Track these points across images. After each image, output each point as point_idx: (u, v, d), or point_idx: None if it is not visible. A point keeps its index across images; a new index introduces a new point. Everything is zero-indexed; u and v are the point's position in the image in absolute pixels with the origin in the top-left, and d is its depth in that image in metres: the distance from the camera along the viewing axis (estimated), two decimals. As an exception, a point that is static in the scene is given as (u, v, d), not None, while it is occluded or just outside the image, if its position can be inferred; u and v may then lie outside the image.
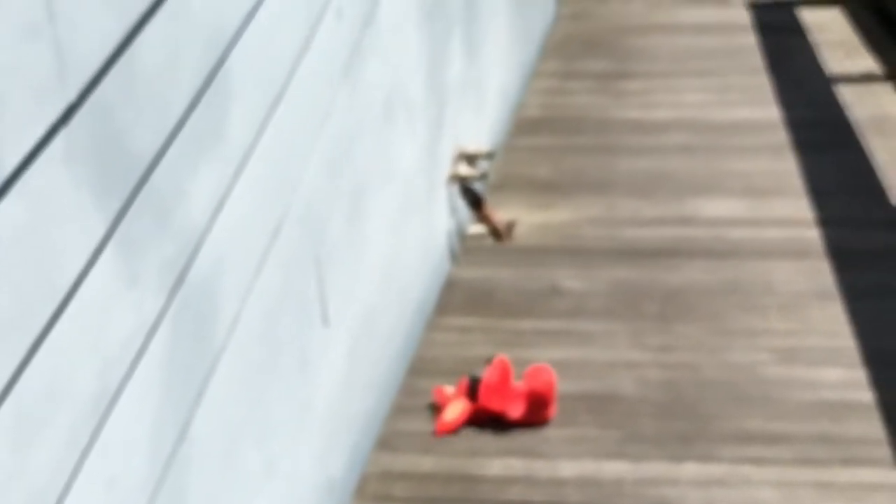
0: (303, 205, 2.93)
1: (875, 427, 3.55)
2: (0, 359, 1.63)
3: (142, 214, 2.01)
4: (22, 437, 1.69)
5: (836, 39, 7.21)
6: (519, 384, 3.69)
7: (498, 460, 3.50)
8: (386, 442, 3.61)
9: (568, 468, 3.45)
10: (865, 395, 3.71)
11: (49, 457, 1.77)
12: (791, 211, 4.99)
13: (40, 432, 1.74)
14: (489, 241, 4.80)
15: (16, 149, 1.64)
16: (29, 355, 1.70)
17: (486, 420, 3.65)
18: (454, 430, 3.63)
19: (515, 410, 3.64)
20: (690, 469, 3.41)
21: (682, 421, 3.64)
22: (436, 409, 3.70)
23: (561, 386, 3.73)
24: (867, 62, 6.80)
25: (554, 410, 3.66)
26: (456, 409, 3.66)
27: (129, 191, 1.97)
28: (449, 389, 3.73)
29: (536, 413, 3.64)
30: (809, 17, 7.65)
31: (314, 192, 3.02)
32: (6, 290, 1.64)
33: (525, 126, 6.06)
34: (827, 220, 4.86)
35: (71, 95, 1.77)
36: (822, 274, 4.44)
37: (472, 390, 3.69)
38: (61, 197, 1.76)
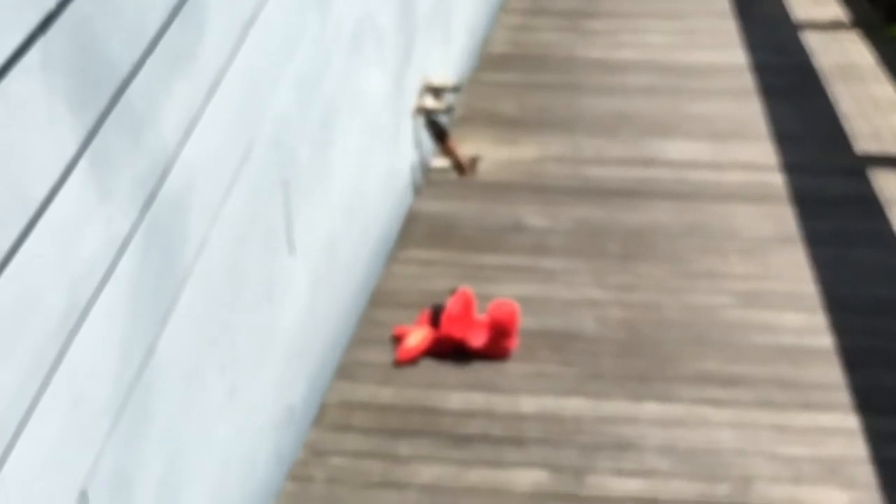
0: (272, 129, 2.89)
1: (834, 372, 3.56)
2: (-31, 271, 1.60)
3: (116, 129, 1.97)
4: (-11, 352, 1.67)
5: (803, -14, 7.20)
6: (481, 316, 3.68)
7: (458, 394, 3.50)
8: (346, 372, 3.60)
9: (528, 404, 3.44)
10: (825, 340, 3.72)
11: (15, 374, 1.73)
12: (754, 155, 4.98)
13: (7, 349, 1.71)
14: (453, 175, 4.78)
15: (-8, 56, 1.61)
16: (-1, 269, 1.67)
17: (447, 351, 3.64)
18: (416, 357, 3.62)
19: (477, 339, 3.63)
20: (650, 408, 3.42)
21: (643, 360, 3.64)
22: (396, 341, 3.69)
23: (522, 322, 3.72)
24: (834, 10, 6.80)
25: (515, 342, 3.66)
26: (418, 336, 3.65)
27: (105, 104, 1.93)
28: (408, 326, 3.73)
29: (498, 343, 3.63)
30: (777, -38, 7.63)
31: (284, 117, 2.98)
32: (-23, 202, 1.60)
33: (491, 61, 6.02)
34: (790, 166, 4.86)
35: (50, 4, 1.73)
36: (785, 219, 4.45)
37: (435, 319, 3.68)
38: (37, 107, 1.72)
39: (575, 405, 3.44)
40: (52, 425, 1.85)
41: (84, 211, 1.90)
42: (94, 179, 1.92)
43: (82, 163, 1.87)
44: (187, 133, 2.33)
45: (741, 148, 5.07)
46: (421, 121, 4.63)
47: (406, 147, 4.48)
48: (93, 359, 1.98)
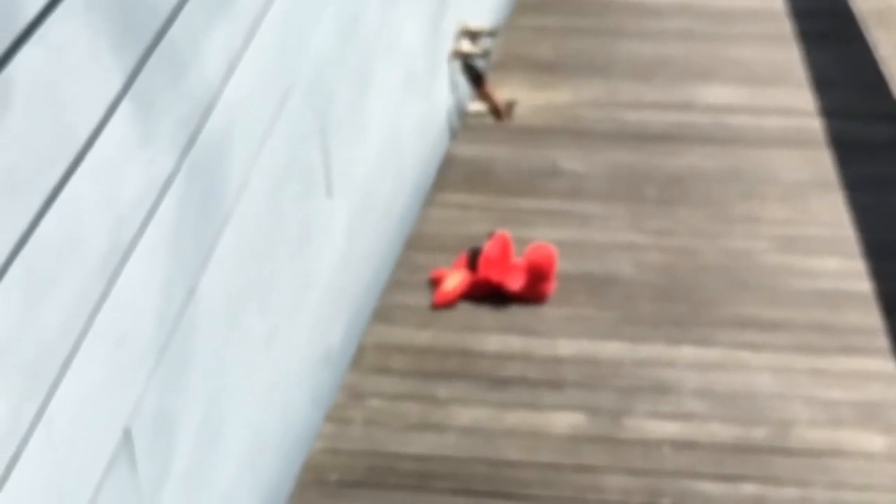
0: (311, 73, 2.89)
1: (873, 317, 3.56)
2: (14, 212, 1.61)
3: (158, 70, 1.98)
4: (34, 292, 1.67)
5: (843, -72, 7.11)
6: (519, 259, 3.68)
7: (495, 336, 3.51)
8: (383, 315, 3.61)
9: (566, 347, 3.45)
10: (864, 285, 3.71)
11: (60, 313, 1.75)
12: (793, 100, 4.95)
13: (52, 287, 1.72)
14: (489, 119, 4.76)
15: (37, -4, 1.61)
16: (43, 209, 1.68)
17: (485, 294, 3.64)
18: (453, 301, 3.63)
19: (515, 282, 3.63)
20: (688, 352, 3.42)
21: (680, 304, 3.64)
22: (434, 284, 3.69)
23: (559, 266, 3.71)
24: (873, -47, 6.72)
25: (553, 286, 3.66)
26: (455, 279, 3.65)
27: (147, 45, 1.93)
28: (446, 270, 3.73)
29: (535, 287, 3.64)
30: None
31: (321, 59, 2.98)
32: (22, 143, 1.61)
33: (527, 5, 5.97)
34: (829, 111, 4.82)
35: (92, -57, 1.73)
36: (823, 164, 4.42)
37: (473, 262, 3.68)
38: (80, 48, 1.72)
39: (612, 349, 3.44)
40: (97, 364, 1.86)
41: (127, 152, 1.91)
42: (137, 121, 1.93)
43: (125, 104, 1.88)
44: (227, 75, 2.34)
45: (779, 93, 5.03)
46: (457, 65, 4.61)
47: (442, 91, 4.47)
48: (135, 299, 2.00)
